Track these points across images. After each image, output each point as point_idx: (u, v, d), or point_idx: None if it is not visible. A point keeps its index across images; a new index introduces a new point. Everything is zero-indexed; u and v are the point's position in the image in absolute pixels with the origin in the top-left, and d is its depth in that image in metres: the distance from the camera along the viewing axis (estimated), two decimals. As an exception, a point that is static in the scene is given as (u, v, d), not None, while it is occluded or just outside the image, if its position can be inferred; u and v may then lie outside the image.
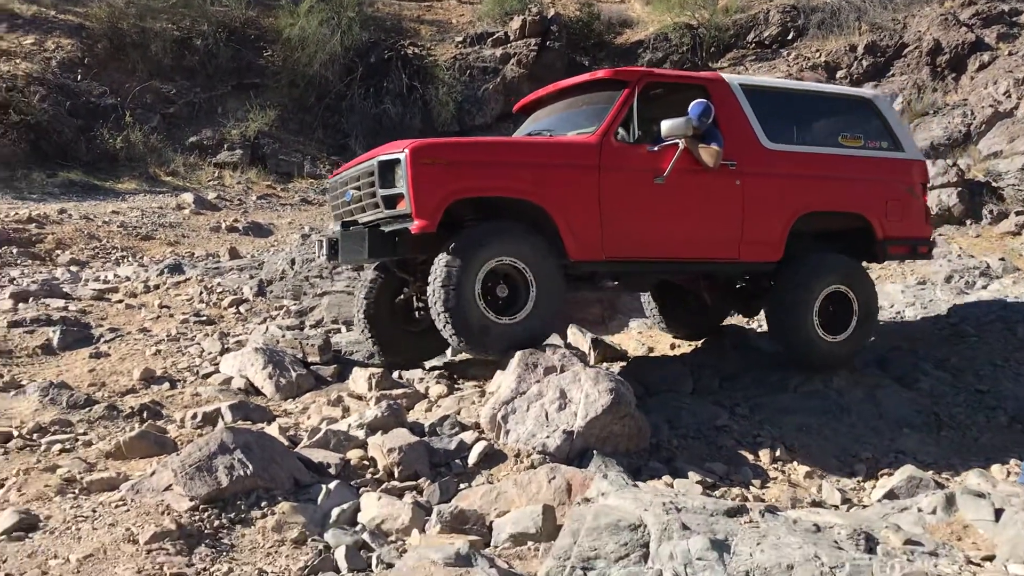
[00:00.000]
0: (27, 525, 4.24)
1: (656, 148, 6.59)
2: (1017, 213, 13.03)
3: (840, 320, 7.28)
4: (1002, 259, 11.32)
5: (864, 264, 7.79)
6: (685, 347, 8.44)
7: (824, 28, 19.31)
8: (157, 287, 9.27)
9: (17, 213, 12.21)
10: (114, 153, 15.89)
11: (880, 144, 7.62)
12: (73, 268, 10.53)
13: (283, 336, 7.67)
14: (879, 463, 6.32)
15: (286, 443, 5.34)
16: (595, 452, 5.45)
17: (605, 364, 7.49)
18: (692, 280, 7.82)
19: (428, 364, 7.21)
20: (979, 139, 15.54)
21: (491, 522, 4.68)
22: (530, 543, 4.45)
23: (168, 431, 5.68)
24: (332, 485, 4.84)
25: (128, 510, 4.41)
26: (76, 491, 4.68)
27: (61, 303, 8.39)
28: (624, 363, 7.68)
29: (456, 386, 6.54)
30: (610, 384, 5.70)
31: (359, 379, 6.64)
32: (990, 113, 15.94)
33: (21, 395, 6.24)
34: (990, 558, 4.16)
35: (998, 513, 4.56)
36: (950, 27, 18.07)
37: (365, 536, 4.46)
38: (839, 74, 18.27)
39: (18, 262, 10.61)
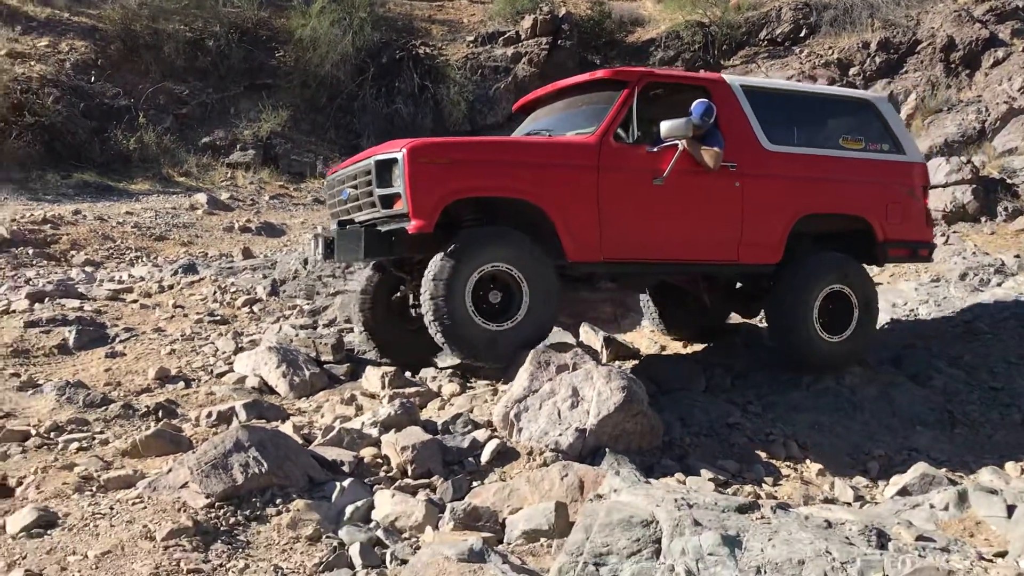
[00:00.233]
0: (46, 522, 4.29)
1: (656, 149, 6.57)
2: (1031, 210, 12.98)
3: (840, 320, 7.24)
4: (1017, 256, 11.27)
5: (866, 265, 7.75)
6: (697, 345, 8.44)
7: (837, 25, 19.24)
8: (171, 287, 9.34)
9: (32, 214, 12.31)
10: (127, 154, 15.98)
11: (881, 146, 7.58)
12: (88, 268, 10.61)
13: (296, 335, 7.72)
14: (892, 461, 6.32)
15: (300, 441, 5.38)
16: (607, 450, 5.46)
17: (617, 362, 7.51)
18: (691, 281, 7.78)
19: (441, 363, 7.23)
20: (994, 136, 15.47)
21: (504, 519, 4.71)
22: (543, 540, 4.48)
23: (183, 430, 5.73)
24: (346, 483, 4.88)
25: (145, 507, 4.46)
26: (93, 489, 4.73)
27: (76, 303, 8.46)
28: (636, 361, 7.70)
29: (469, 385, 6.56)
30: (622, 382, 5.71)
31: (372, 378, 6.68)
32: (1005, 110, 15.87)
33: (38, 394, 6.30)
34: (1002, 554, 4.16)
35: (1011, 510, 4.57)
36: (964, 23, 17.99)
37: (379, 533, 4.50)
38: (852, 71, 18.21)
39: (34, 263, 10.69)
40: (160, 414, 6.07)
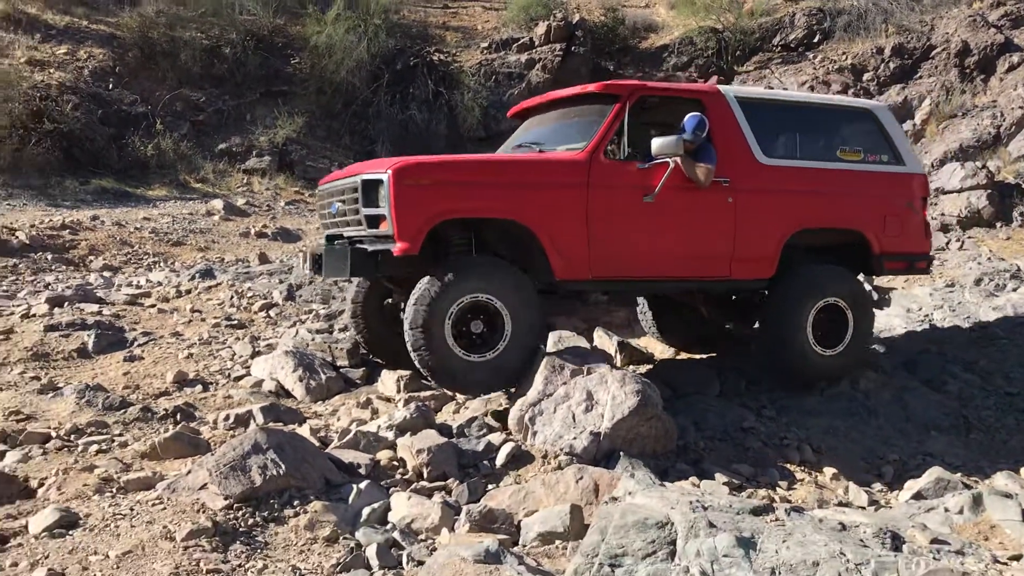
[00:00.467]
0: (67, 522, 4.36)
1: (647, 165, 6.45)
2: (1047, 215, 12.93)
3: (835, 333, 7.13)
4: (1032, 261, 11.23)
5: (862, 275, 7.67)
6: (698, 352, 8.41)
7: (850, 31, 19.20)
8: (189, 292, 9.42)
9: (51, 220, 12.43)
10: (145, 160, 16.12)
11: (880, 157, 7.45)
12: (106, 273, 10.72)
13: (312, 339, 7.78)
14: (906, 465, 6.31)
15: (317, 444, 5.44)
16: (622, 453, 5.49)
17: (631, 367, 7.53)
18: (687, 292, 7.68)
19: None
20: (1009, 141, 15.40)
21: (519, 521, 4.75)
22: (558, 542, 4.51)
23: (201, 432, 5.79)
24: (363, 485, 4.93)
25: (165, 508, 4.52)
26: (114, 490, 4.80)
27: (95, 308, 8.55)
28: (650, 366, 7.71)
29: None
30: (637, 386, 5.74)
31: (388, 381, 6.73)
32: (1020, 115, 15.80)
33: (59, 397, 6.38)
34: (1017, 557, 4.17)
35: (1026, 514, 4.57)
36: (978, 28, 17.94)
37: (395, 535, 4.54)
38: (866, 77, 18.18)
39: (53, 268, 10.81)
40: (178, 417, 6.14)
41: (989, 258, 11.65)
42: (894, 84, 17.88)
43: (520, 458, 5.49)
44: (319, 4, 19.46)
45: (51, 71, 16.77)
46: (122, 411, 6.15)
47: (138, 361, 7.26)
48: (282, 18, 19.88)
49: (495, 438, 5.64)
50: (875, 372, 7.54)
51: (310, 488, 4.83)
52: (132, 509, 4.54)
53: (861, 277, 7.71)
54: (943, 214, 13.58)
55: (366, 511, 4.74)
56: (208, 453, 5.10)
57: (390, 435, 5.63)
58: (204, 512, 4.48)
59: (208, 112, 17.86)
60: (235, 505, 4.57)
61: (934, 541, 4.03)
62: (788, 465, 6.07)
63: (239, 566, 4.12)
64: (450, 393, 6.53)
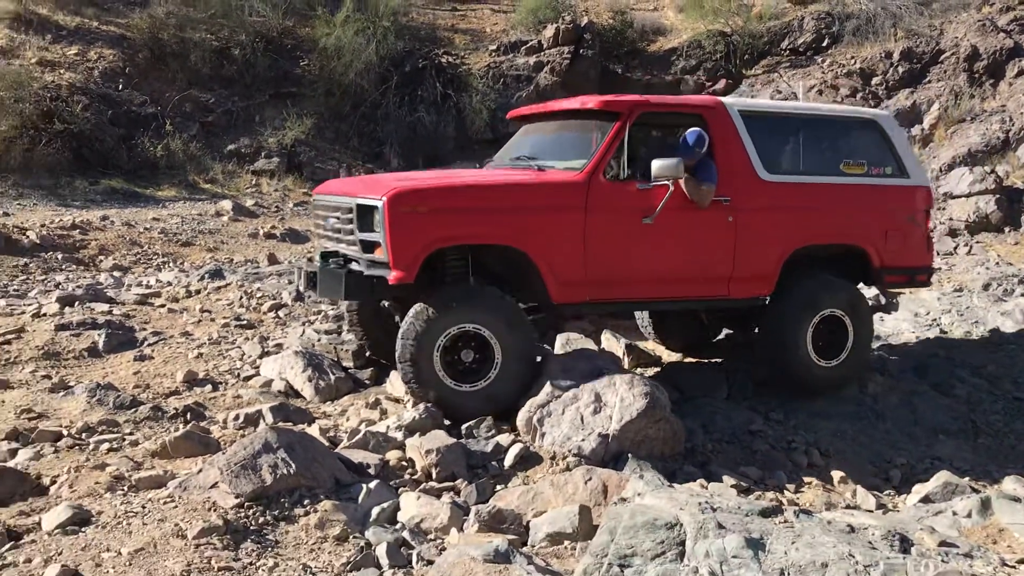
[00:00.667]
0: (80, 520, 4.39)
1: (648, 186, 6.30)
2: (1056, 220, 12.92)
3: (835, 344, 7.08)
4: (1041, 266, 11.23)
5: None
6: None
7: (859, 35, 19.19)
8: (198, 292, 9.46)
9: (61, 220, 12.50)
10: (154, 161, 16.21)
11: (884, 170, 7.33)
12: (116, 273, 10.78)
13: (319, 340, 7.82)
14: (914, 469, 6.32)
15: (326, 444, 5.46)
16: (630, 455, 5.51)
17: (639, 369, 7.54)
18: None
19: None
20: (1018, 146, 15.39)
21: (528, 522, 4.77)
22: (567, 542, 4.53)
23: (211, 432, 5.82)
24: (372, 485, 4.96)
25: (176, 506, 4.55)
26: (125, 488, 4.82)
27: (105, 307, 8.60)
28: (658, 368, 7.73)
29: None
30: (645, 388, 5.76)
31: (396, 382, 6.75)
32: (1029, 119, 15.79)
33: (70, 396, 6.41)
34: (1025, 561, 4.18)
35: (1034, 518, 4.58)
36: (988, 33, 17.92)
37: (405, 534, 4.57)
38: (874, 81, 18.17)
39: (63, 267, 10.87)
40: (188, 416, 6.17)
41: (997, 263, 11.65)
42: (903, 88, 17.87)
43: (528, 459, 5.52)
44: (328, 6, 19.54)
45: (61, 72, 16.87)
46: (132, 410, 6.18)
47: (148, 360, 7.30)
48: (291, 20, 19.96)
49: (504, 439, 5.67)
50: (883, 376, 7.55)
51: (320, 487, 4.85)
52: (144, 507, 4.58)
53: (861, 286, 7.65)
54: (951, 219, 13.59)
55: (376, 511, 4.76)
56: (218, 452, 5.13)
57: (399, 435, 5.66)
58: (215, 510, 4.51)
59: (217, 113, 17.94)
60: (246, 504, 4.59)
61: (942, 544, 4.04)
62: (796, 468, 6.08)
63: (250, 564, 4.15)
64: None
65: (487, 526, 4.67)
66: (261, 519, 4.53)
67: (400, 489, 5.09)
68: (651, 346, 8.30)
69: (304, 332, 8.12)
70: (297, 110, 18.02)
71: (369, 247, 5.99)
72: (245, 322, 8.45)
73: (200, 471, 4.86)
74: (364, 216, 5.96)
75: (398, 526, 4.69)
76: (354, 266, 6.32)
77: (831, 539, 3.78)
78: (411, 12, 21.42)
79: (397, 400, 6.51)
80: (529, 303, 6.50)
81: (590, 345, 7.26)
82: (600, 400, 5.76)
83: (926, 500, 5.48)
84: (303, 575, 4.12)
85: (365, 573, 4.20)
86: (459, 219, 5.98)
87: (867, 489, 5.78)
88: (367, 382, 7.08)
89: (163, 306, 8.91)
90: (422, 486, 5.15)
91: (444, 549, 4.40)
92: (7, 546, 4.17)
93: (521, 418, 5.80)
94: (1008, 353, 8.26)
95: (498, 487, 5.26)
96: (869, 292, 7.79)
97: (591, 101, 6.66)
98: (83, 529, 4.34)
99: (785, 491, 5.69)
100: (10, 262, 10.73)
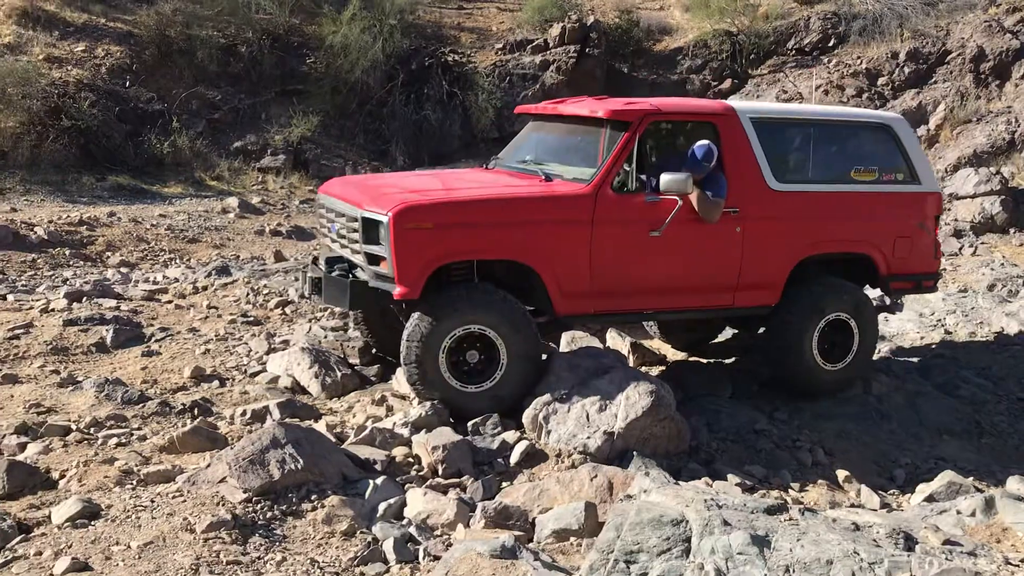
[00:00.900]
0: (90, 513, 4.43)
1: (656, 199, 6.24)
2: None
3: (840, 347, 7.04)
4: (1046, 268, 11.22)
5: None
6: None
7: (865, 35, 19.18)
8: (205, 288, 9.50)
9: (69, 216, 12.55)
10: (161, 158, 16.23)
11: (895, 176, 7.24)
12: (123, 269, 10.82)
13: (325, 337, 7.85)
14: (919, 469, 6.33)
15: (333, 440, 5.50)
16: (635, 453, 5.54)
17: (644, 367, 7.56)
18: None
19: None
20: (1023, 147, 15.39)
21: (534, 518, 4.80)
22: (572, 539, 4.57)
23: (219, 427, 5.86)
24: (379, 481, 5.00)
25: (185, 501, 4.59)
26: (134, 482, 4.87)
27: (113, 303, 8.64)
28: (663, 367, 7.75)
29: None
30: (650, 386, 5.78)
31: (402, 379, 6.77)
32: (1034, 121, 15.78)
33: (78, 391, 6.45)
34: (1029, 560, 4.19)
35: (1038, 517, 4.59)
36: (994, 34, 17.90)
37: (412, 530, 4.61)
38: (880, 81, 18.17)
39: (71, 263, 10.91)
40: (196, 412, 6.21)
41: (1002, 264, 11.65)
42: (909, 89, 17.86)
43: (534, 456, 5.55)
44: (335, 4, 19.56)
45: (69, 68, 16.91)
46: (140, 405, 6.22)
47: (156, 356, 7.33)
48: (298, 18, 19.98)
49: (509, 436, 5.70)
50: (887, 376, 7.56)
51: (327, 483, 4.89)
52: (152, 501, 4.62)
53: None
54: (956, 219, 13.58)
55: (382, 506, 4.79)
56: (226, 447, 5.16)
57: (405, 432, 5.69)
58: (223, 505, 4.55)
59: (224, 110, 17.97)
60: (254, 498, 4.63)
61: (946, 542, 4.06)
62: (800, 467, 6.10)
63: (258, 558, 4.19)
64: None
65: (493, 522, 4.70)
66: (269, 514, 4.57)
67: (407, 485, 5.12)
68: (656, 345, 8.31)
69: (311, 329, 8.15)
70: (303, 107, 18.04)
71: (374, 260, 5.98)
72: (252, 319, 8.49)
73: (208, 466, 4.90)
74: (369, 230, 5.93)
75: (405, 522, 4.73)
76: (359, 273, 6.31)
77: (836, 537, 3.80)
78: (417, 10, 21.43)
79: (403, 397, 6.53)
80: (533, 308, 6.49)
81: (595, 343, 7.28)
82: (605, 398, 5.78)
83: (930, 499, 5.51)
84: (311, 569, 4.16)
85: (372, 568, 4.24)
86: (465, 234, 5.95)
87: (871, 488, 5.80)
88: (373, 379, 7.11)
89: (170, 302, 8.95)
90: (428, 482, 5.18)
91: (450, 545, 4.43)
92: (18, 539, 4.22)
93: (527, 415, 5.83)
94: (1013, 354, 8.27)
95: (504, 484, 5.30)
96: (874, 293, 7.78)
97: (600, 109, 6.52)
98: (92, 522, 4.38)
99: (790, 490, 5.72)
100: (18, 258, 10.77)
